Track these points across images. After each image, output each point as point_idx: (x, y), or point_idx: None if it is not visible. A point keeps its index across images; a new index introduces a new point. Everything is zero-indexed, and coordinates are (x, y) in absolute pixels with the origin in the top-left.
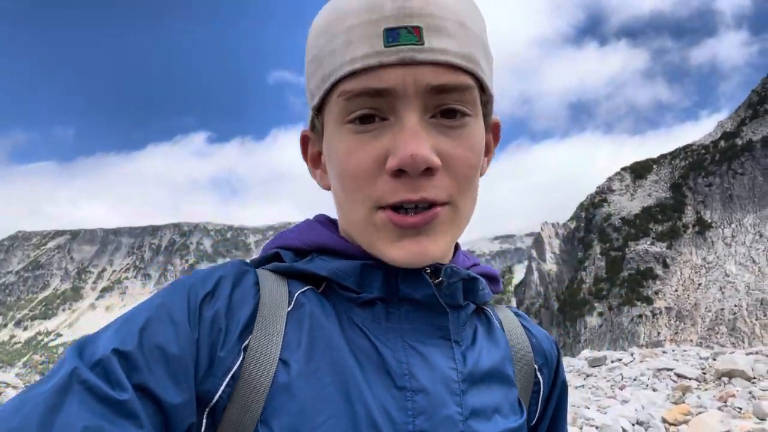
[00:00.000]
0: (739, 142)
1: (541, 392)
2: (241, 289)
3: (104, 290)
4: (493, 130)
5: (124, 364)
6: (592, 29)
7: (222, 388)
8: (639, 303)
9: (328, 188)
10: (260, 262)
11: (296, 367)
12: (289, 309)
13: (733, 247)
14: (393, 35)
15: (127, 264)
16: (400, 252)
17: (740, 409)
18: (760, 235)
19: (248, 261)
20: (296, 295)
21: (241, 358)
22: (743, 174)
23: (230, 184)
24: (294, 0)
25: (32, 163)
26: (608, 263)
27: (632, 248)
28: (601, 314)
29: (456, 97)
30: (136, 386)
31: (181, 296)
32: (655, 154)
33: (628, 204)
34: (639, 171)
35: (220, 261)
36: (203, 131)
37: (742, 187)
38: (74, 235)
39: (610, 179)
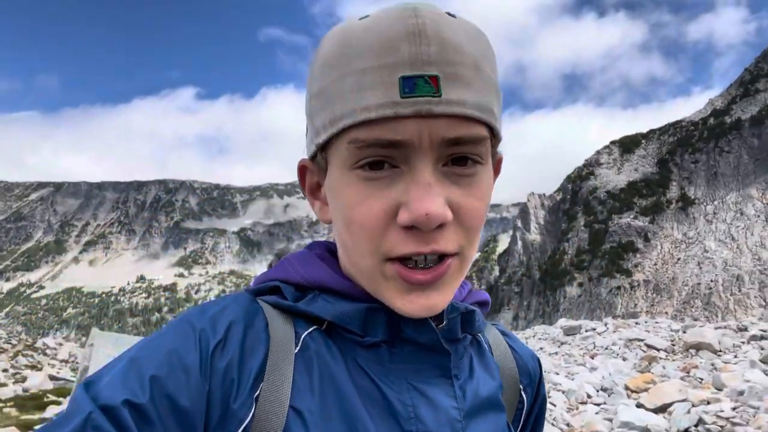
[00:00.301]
0: (728, 120)
1: (524, 409)
2: (252, 334)
3: (88, 244)
4: (496, 165)
5: (137, 417)
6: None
7: None
8: (618, 275)
9: (328, 222)
10: (260, 293)
11: (309, 415)
12: (296, 350)
13: (714, 224)
14: (410, 85)
15: (112, 219)
16: (408, 305)
17: (701, 379)
18: (741, 213)
19: (251, 291)
20: (303, 336)
21: (253, 409)
22: (729, 152)
23: (218, 142)
24: None
25: (15, 112)
26: (591, 235)
27: (615, 221)
28: (581, 285)
29: (469, 149)
30: None
31: (192, 343)
32: (645, 129)
33: (614, 178)
34: (627, 145)
35: (206, 219)
36: (191, 87)
37: (727, 165)
38: (57, 187)
39: (598, 152)
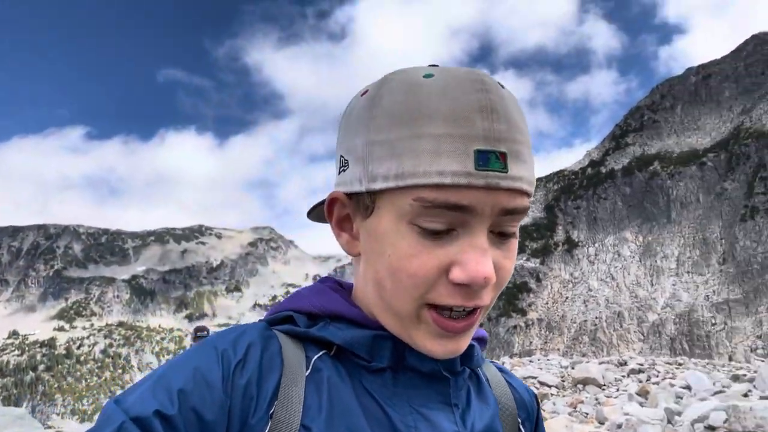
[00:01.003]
0: (603, 170)
1: None
2: (268, 356)
3: None
4: None
5: (167, 427)
6: (483, 58)
7: None
8: (515, 314)
9: (355, 255)
10: (273, 322)
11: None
12: (307, 373)
13: (596, 265)
14: (483, 159)
15: None
16: (437, 348)
17: (587, 414)
18: (618, 254)
19: (266, 321)
20: (313, 359)
21: (268, 426)
22: (606, 199)
23: (109, 185)
24: (189, 2)
25: None
26: None
27: None
28: (481, 325)
29: (518, 218)
30: None
31: (215, 362)
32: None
33: None
34: None
35: (92, 267)
36: (81, 126)
37: (604, 211)
38: None
39: None
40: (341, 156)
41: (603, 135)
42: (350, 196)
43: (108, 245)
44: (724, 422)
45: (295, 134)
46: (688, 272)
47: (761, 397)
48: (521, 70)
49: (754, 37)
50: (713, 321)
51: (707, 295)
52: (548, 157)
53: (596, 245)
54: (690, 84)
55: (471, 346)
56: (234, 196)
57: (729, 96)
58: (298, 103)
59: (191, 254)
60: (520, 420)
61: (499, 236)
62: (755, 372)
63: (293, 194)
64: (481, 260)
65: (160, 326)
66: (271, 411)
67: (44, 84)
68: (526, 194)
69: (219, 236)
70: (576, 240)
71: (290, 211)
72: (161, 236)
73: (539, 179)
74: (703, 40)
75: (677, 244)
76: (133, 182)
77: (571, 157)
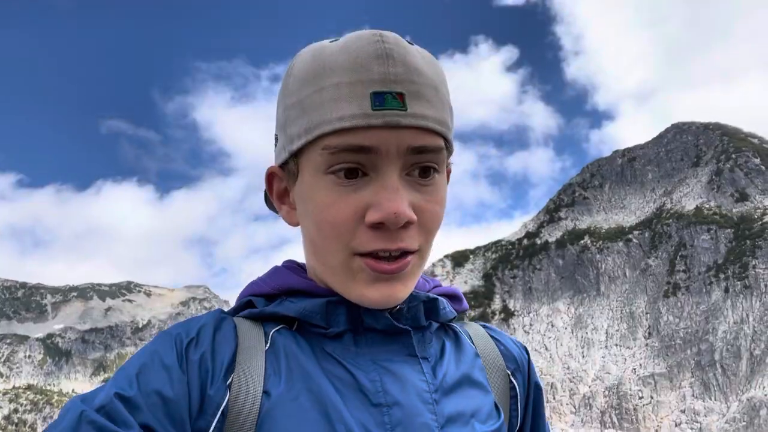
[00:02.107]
0: (538, 241)
1: (519, 396)
2: (221, 333)
3: None
4: (447, 173)
5: (128, 407)
6: None
7: (214, 424)
8: None
9: (295, 225)
10: (235, 311)
11: (277, 395)
12: (266, 347)
13: (531, 335)
14: (380, 99)
15: None
16: (374, 293)
17: None
18: (552, 325)
19: (224, 311)
20: (271, 333)
21: (228, 395)
22: (540, 269)
23: (33, 235)
24: (135, 49)
25: None
26: None
27: None
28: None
29: (430, 157)
30: (141, 425)
31: (169, 344)
32: (473, 246)
33: None
34: (458, 259)
35: (4, 323)
36: (13, 173)
37: (539, 281)
38: None
39: (433, 265)
40: (275, 134)
41: (540, 208)
42: (283, 167)
43: (24, 300)
44: None
45: (239, 192)
46: (616, 345)
47: None
48: (465, 143)
49: (674, 125)
50: (640, 394)
51: (634, 368)
52: (489, 228)
53: (531, 315)
54: (617, 165)
55: (434, 299)
56: (169, 253)
57: (651, 178)
58: (246, 161)
59: (116, 312)
60: (509, 371)
61: (420, 177)
62: None
63: (233, 253)
64: (391, 197)
65: (73, 391)
66: (229, 381)
67: None
68: (437, 134)
69: (148, 294)
70: (512, 309)
71: (228, 270)
72: (84, 292)
73: (478, 248)
74: (630, 126)
75: (606, 316)
76: (60, 233)
77: (511, 228)
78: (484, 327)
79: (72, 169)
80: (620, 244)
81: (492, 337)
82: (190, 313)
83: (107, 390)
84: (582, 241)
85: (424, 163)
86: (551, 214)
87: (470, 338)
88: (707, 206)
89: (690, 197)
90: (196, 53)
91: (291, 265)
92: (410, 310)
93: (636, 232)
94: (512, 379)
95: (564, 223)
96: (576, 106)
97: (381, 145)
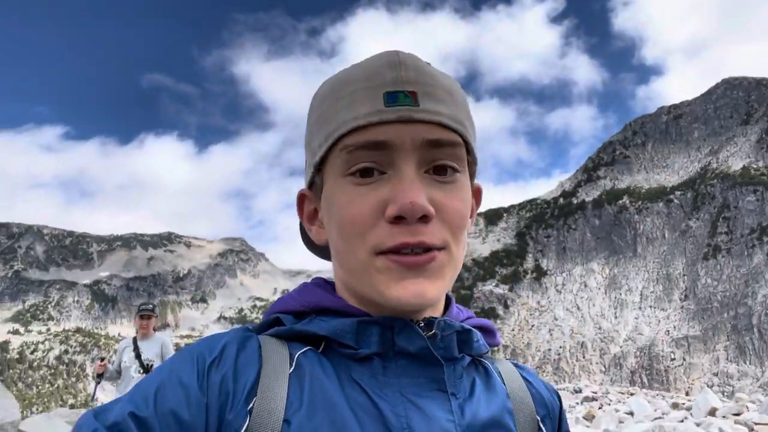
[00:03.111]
0: (574, 201)
1: None
2: (245, 354)
3: None
4: (476, 195)
5: (141, 428)
6: (469, 84)
7: None
8: None
9: (323, 243)
10: (261, 328)
11: (297, 425)
12: (291, 371)
13: (563, 294)
14: (392, 97)
15: None
16: (401, 291)
17: None
18: (585, 285)
19: (250, 327)
20: (296, 356)
21: (247, 421)
22: (575, 230)
23: (80, 186)
24: (175, 4)
25: None
26: (458, 301)
27: (480, 288)
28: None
29: (448, 152)
30: None
31: (190, 362)
32: (508, 205)
33: (480, 247)
34: (492, 217)
35: (53, 270)
36: (60, 125)
37: (573, 241)
38: None
39: None
40: (305, 160)
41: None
42: (311, 188)
43: (72, 248)
44: None
45: (276, 147)
46: (650, 306)
47: (696, 424)
48: (504, 99)
49: (724, 81)
50: (672, 356)
51: (668, 330)
52: (527, 186)
53: (564, 275)
54: (661, 123)
55: (468, 331)
56: (208, 205)
57: (698, 136)
58: (283, 116)
59: (158, 262)
60: (539, 417)
61: (437, 174)
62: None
63: (269, 207)
64: (408, 189)
65: (119, 334)
66: (250, 406)
67: (26, 80)
68: (453, 131)
69: (188, 245)
70: (545, 268)
71: (264, 224)
72: (128, 241)
73: (512, 206)
74: (678, 82)
75: (641, 278)
76: (105, 185)
77: (549, 188)
78: (516, 366)
79: (116, 123)
80: (660, 204)
81: (524, 378)
82: (228, 264)
83: (122, 407)
84: (620, 201)
85: (441, 159)
86: (589, 173)
87: (501, 377)
88: (755, 166)
89: (737, 156)
90: (233, 3)
91: (320, 282)
92: (443, 340)
93: (678, 193)
94: (541, 425)
95: (602, 182)
96: (622, 60)
97: (395, 139)
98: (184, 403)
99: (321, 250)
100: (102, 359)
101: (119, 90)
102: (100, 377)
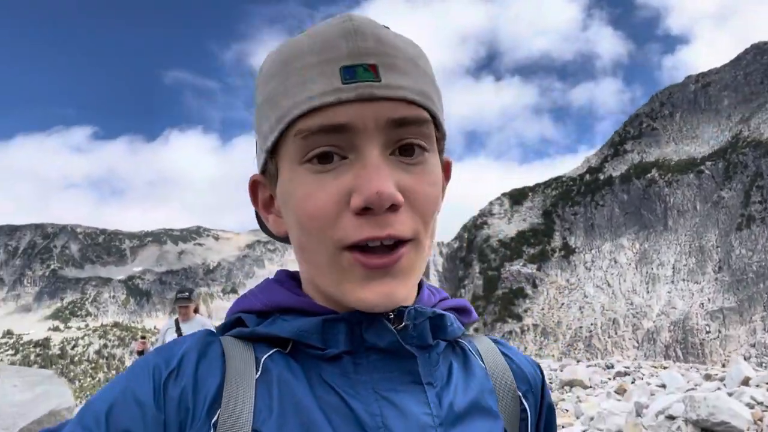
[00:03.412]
0: (601, 177)
1: (529, 419)
2: (206, 362)
3: None
4: (445, 170)
5: None
6: (489, 64)
7: None
8: (510, 320)
9: (283, 235)
10: (224, 328)
11: None
12: (257, 376)
13: (592, 271)
14: (350, 72)
15: None
16: (368, 294)
17: (567, 410)
18: (615, 261)
19: (214, 329)
20: (263, 360)
21: None
22: (603, 206)
23: (110, 185)
24: (198, 2)
25: None
26: (485, 282)
27: (507, 268)
28: (477, 330)
29: (414, 131)
30: None
31: (145, 376)
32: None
33: (505, 227)
34: (517, 197)
35: (88, 267)
36: (88, 126)
37: (602, 218)
38: None
39: (491, 203)
40: (255, 141)
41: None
42: (264, 173)
43: (105, 245)
44: (683, 412)
45: None
46: (683, 280)
47: (728, 394)
48: (527, 77)
49: (753, 46)
50: (707, 329)
51: (702, 303)
52: (552, 164)
53: (593, 252)
54: (689, 92)
55: (441, 315)
56: (234, 198)
57: (728, 104)
58: None
59: (188, 255)
60: (520, 393)
61: (403, 155)
62: (725, 372)
63: None
64: (372, 176)
65: (155, 327)
66: (214, 419)
67: (53, 83)
68: (419, 106)
69: (216, 238)
70: (573, 246)
71: None
72: (159, 237)
73: (537, 185)
74: (705, 50)
75: (673, 251)
76: (134, 182)
77: (576, 164)
78: (495, 342)
79: (141, 120)
80: (691, 176)
81: (503, 354)
82: (256, 255)
83: (70, 429)
84: (649, 175)
85: (408, 138)
86: (616, 147)
87: (479, 355)
88: None
89: None
90: None
91: (283, 279)
92: (415, 329)
93: (708, 163)
94: (523, 401)
95: (630, 156)
96: (647, 31)
97: (356, 121)
98: (140, 423)
99: (283, 240)
100: (143, 337)
101: (143, 88)
102: (140, 354)
